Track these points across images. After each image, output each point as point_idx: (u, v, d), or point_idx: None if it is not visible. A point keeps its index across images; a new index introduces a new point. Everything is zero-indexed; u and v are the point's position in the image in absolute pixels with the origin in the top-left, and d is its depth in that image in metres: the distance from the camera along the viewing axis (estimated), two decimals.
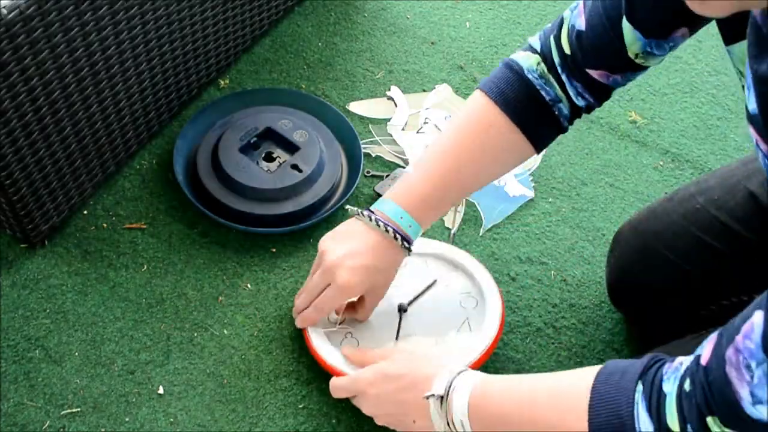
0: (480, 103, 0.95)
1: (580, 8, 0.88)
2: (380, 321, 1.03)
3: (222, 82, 1.36)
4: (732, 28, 0.76)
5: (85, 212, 1.18)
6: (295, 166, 1.20)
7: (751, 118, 0.70)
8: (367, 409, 0.94)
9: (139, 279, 1.11)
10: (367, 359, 0.96)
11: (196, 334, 1.07)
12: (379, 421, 0.94)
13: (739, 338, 0.63)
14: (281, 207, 1.17)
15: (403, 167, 1.26)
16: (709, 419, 0.65)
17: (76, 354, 1.04)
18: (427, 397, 0.85)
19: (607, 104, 1.37)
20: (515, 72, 0.93)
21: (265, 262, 1.15)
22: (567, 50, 0.89)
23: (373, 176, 1.26)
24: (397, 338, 1.04)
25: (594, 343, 1.10)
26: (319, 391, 1.02)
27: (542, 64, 0.92)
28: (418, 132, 1.31)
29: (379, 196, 1.20)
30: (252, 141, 1.22)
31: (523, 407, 0.79)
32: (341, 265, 0.95)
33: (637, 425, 0.69)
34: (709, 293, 0.97)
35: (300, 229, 1.17)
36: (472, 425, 0.82)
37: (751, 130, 0.71)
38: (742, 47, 0.75)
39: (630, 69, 0.89)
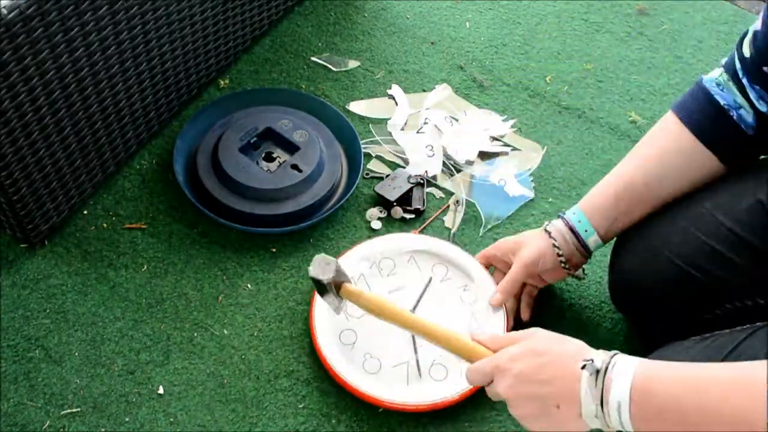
0: (670, 125, 1.00)
1: (761, 15, 0.91)
2: (391, 330, 1.01)
3: (222, 82, 1.36)
4: None
5: (85, 212, 1.18)
6: (295, 166, 1.20)
7: None
8: (504, 390, 0.83)
9: (139, 279, 1.11)
10: (503, 342, 0.89)
11: (196, 334, 1.07)
12: (515, 410, 0.84)
13: None
14: (281, 207, 1.17)
15: (404, 167, 1.27)
16: None
17: (76, 354, 1.04)
18: (583, 367, 0.77)
19: (607, 104, 1.38)
20: (697, 84, 0.98)
21: (265, 262, 1.15)
22: (747, 53, 0.92)
23: (373, 176, 1.26)
24: (415, 347, 1.05)
25: (594, 343, 1.09)
26: (319, 391, 1.02)
27: (724, 74, 0.95)
28: (418, 132, 1.31)
29: (380, 196, 1.21)
30: (252, 141, 1.22)
31: (695, 396, 0.72)
32: (518, 254, 1.07)
33: None
34: (712, 298, 0.96)
35: (300, 229, 1.17)
36: (633, 412, 0.74)
37: None
38: None
39: None
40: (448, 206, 1.23)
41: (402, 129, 1.32)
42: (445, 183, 1.26)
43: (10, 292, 1.09)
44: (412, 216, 1.21)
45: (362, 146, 1.26)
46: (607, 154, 1.32)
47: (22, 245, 1.13)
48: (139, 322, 1.07)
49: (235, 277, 1.13)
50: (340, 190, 1.23)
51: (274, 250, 1.16)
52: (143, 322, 1.07)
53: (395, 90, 1.38)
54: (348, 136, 1.27)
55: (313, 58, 1.41)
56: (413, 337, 1.06)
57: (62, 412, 0.99)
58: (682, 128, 0.98)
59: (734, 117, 0.95)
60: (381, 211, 1.21)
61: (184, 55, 1.23)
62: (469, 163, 1.28)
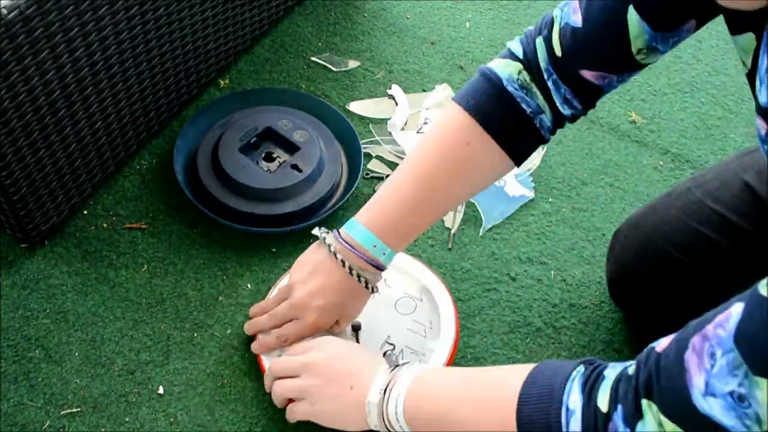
0: (457, 119, 0.90)
1: (573, 6, 0.84)
2: None
3: (222, 82, 1.36)
4: (738, 20, 0.74)
5: (85, 212, 1.18)
6: (295, 166, 1.20)
7: (763, 111, 0.68)
8: (310, 374, 0.90)
9: (139, 279, 1.11)
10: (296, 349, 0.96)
11: (196, 334, 1.07)
12: (312, 395, 0.90)
13: (709, 327, 0.62)
14: (281, 207, 1.17)
15: None
16: (644, 402, 0.63)
17: (76, 354, 1.04)
18: (385, 354, 0.87)
19: (607, 104, 1.38)
20: (493, 84, 0.88)
21: (265, 262, 1.14)
22: (558, 51, 0.85)
23: (373, 176, 1.26)
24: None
25: (594, 343, 1.10)
26: None
27: (524, 72, 0.88)
28: (418, 132, 1.31)
29: None
30: (252, 141, 1.22)
31: (456, 401, 0.79)
32: (309, 306, 0.95)
33: (565, 397, 0.68)
34: (709, 287, 0.97)
35: (300, 229, 1.17)
36: (408, 420, 0.81)
37: (760, 122, 0.71)
38: (747, 38, 0.74)
39: (628, 68, 0.86)
40: None
41: (402, 129, 1.32)
42: None
43: (10, 292, 1.09)
44: None
45: (362, 146, 1.26)
46: (607, 154, 1.32)
47: (22, 245, 1.13)
48: (139, 322, 1.07)
49: (235, 277, 1.13)
50: (340, 190, 1.23)
51: (274, 250, 1.16)
52: (143, 322, 1.07)
53: (395, 90, 1.38)
54: (348, 136, 1.27)
55: (313, 58, 1.41)
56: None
57: (62, 412, 0.99)
58: (481, 133, 0.89)
59: (536, 123, 0.89)
60: None
61: (184, 55, 1.23)
62: None
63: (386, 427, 0.84)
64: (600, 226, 1.22)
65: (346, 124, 1.28)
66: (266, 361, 1.00)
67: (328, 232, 0.97)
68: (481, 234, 1.20)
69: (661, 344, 0.65)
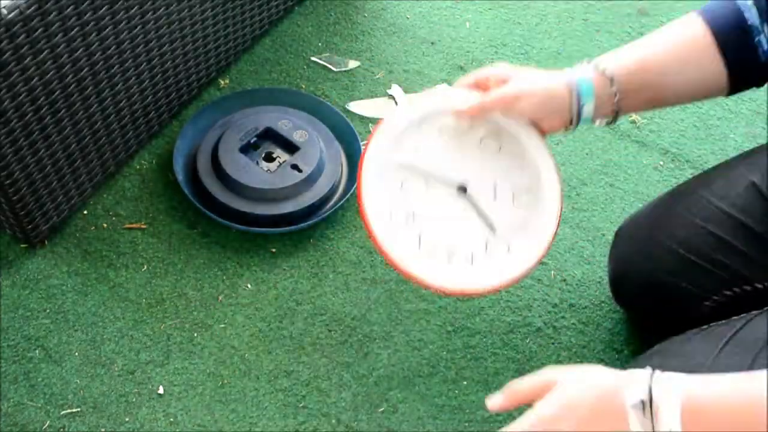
0: (692, 19, 0.93)
1: None
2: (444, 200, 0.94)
3: (222, 82, 1.36)
4: None
5: (85, 212, 1.18)
6: (295, 166, 1.20)
7: None
8: None
9: (139, 279, 1.11)
10: (520, 397, 0.80)
11: (196, 334, 1.07)
12: None
13: None
14: (281, 207, 1.17)
15: None
16: None
17: (76, 354, 1.04)
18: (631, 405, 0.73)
19: None
20: (737, 12, 0.90)
21: (265, 262, 1.15)
22: None
23: None
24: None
25: (594, 343, 1.10)
26: (318, 391, 1.03)
27: (753, 4, 0.90)
28: None
29: None
30: (252, 141, 1.22)
31: (747, 417, 0.70)
32: (520, 99, 0.91)
33: None
34: (712, 283, 0.97)
35: (300, 229, 1.17)
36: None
37: None
38: None
39: None
40: None
41: None
42: None
43: (10, 292, 1.09)
44: None
45: (362, 146, 1.26)
46: (607, 154, 1.32)
47: (22, 245, 1.13)
48: (139, 322, 1.07)
49: (235, 277, 1.13)
50: (340, 190, 1.23)
51: (274, 250, 1.16)
52: (143, 322, 1.07)
53: (395, 90, 1.38)
54: (348, 136, 1.27)
55: (313, 58, 1.41)
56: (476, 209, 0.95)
57: (62, 412, 0.99)
58: (705, 28, 0.91)
59: (755, 39, 0.91)
60: None
61: (184, 55, 1.23)
62: None
63: None
64: (600, 226, 1.22)
65: (346, 124, 1.28)
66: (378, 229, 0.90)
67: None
68: None
69: None
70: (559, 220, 0.94)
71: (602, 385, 0.76)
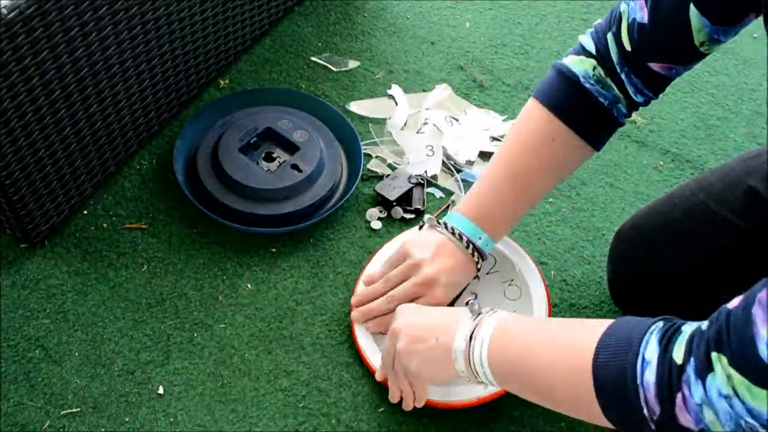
0: (540, 117, 0.96)
1: (640, 2, 0.87)
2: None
3: (222, 82, 1.36)
4: None
5: (85, 212, 1.18)
6: (295, 166, 1.20)
7: None
8: (399, 338, 0.93)
9: (139, 279, 1.11)
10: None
11: (196, 334, 1.07)
12: (405, 354, 0.92)
13: None
14: (281, 207, 1.17)
15: (403, 167, 1.27)
16: (714, 355, 0.64)
17: (76, 354, 1.04)
18: (467, 303, 0.88)
19: None
20: (570, 81, 0.94)
21: (265, 262, 1.15)
22: (627, 47, 0.89)
23: (372, 176, 1.26)
24: None
25: None
26: (318, 391, 1.02)
27: (599, 68, 0.92)
28: (417, 132, 1.31)
29: (380, 195, 1.21)
30: (252, 141, 1.22)
31: (535, 343, 0.80)
32: (438, 282, 0.99)
33: (642, 348, 0.69)
34: (709, 287, 0.97)
35: (300, 229, 1.17)
36: (490, 348, 0.82)
37: None
38: None
39: (694, 59, 0.89)
40: (448, 206, 1.23)
41: (402, 129, 1.32)
42: (446, 183, 1.26)
43: (10, 292, 1.09)
44: (413, 216, 1.21)
45: (362, 146, 1.26)
46: (607, 154, 1.32)
47: (22, 245, 1.13)
48: (139, 322, 1.07)
49: (235, 277, 1.13)
50: (340, 190, 1.23)
51: (274, 250, 1.16)
52: (143, 322, 1.07)
53: (395, 90, 1.38)
54: (348, 136, 1.27)
55: (313, 58, 1.41)
56: None
57: (62, 412, 0.99)
58: (565, 129, 0.95)
59: (614, 113, 0.94)
60: (381, 211, 1.21)
61: (184, 55, 1.23)
62: (470, 163, 1.28)
63: (473, 373, 0.85)
64: (600, 226, 1.23)
65: (346, 124, 1.28)
66: (361, 336, 1.04)
67: (437, 222, 1.03)
68: None
69: (732, 302, 0.67)
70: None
71: (439, 322, 0.91)
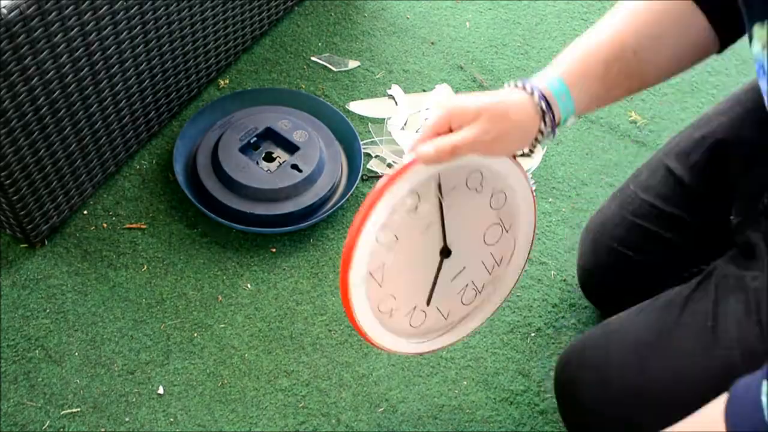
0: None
1: None
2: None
3: (222, 82, 1.36)
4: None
5: (85, 212, 1.18)
6: (295, 166, 1.20)
7: None
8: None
9: (139, 279, 1.11)
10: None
11: (196, 334, 1.07)
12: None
13: None
14: (281, 207, 1.17)
15: None
16: None
17: (76, 354, 1.04)
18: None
19: None
20: None
21: (265, 262, 1.15)
22: None
23: (372, 176, 1.26)
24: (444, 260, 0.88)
25: None
26: (318, 391, 1.02)
27: None
28: (417, 132, 1.31)
29: None
30: (252, 141, 1.22)
31: None
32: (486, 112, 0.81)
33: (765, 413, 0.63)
34: (657, 273, 0.98)
35: (300, 229, 1.17)
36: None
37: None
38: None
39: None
40: None
41: (402, 129, 1.32)
42: None
43: (10, 292, 1.09)
44: None
45: (362, 146, 1.26)
46: (607, 154, 1.32)
47: (22, 245, 1.13)
48: (139, 322, 1.07)
49: (235, 277, 1.13)
50: (340, 190, 1.23)
51: (274, 250, 1.16)
52: (143, 322, 1.07)
53: (395, 90, 1.38)
54: (348, 136, 1.27)
55: (313, 58, 1.41)
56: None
57: (62, 412, 0.99)
58: (692, 6, 0.82)
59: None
60: None
61: (184, 55, 1.23)
62: None
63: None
64: None
65: (346, 124, 1.28)
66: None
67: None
68: None
69: None
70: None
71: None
